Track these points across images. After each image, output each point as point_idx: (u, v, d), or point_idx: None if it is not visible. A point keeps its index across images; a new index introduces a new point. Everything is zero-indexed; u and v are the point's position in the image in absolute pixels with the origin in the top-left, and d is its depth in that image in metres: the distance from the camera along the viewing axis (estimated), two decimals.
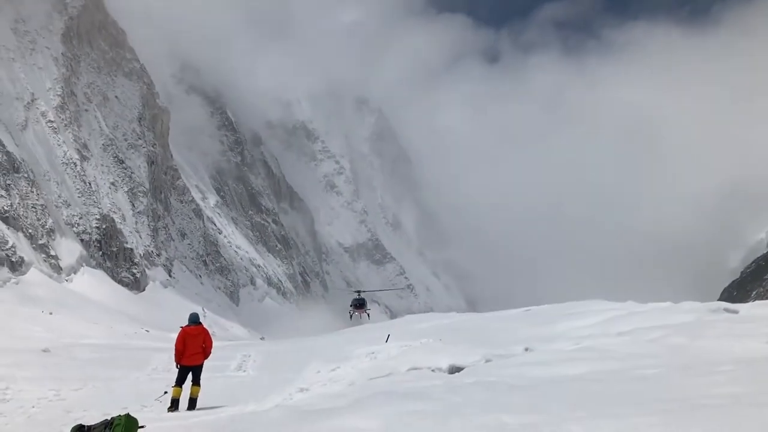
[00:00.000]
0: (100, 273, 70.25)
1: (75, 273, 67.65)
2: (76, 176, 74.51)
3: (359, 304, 42.59)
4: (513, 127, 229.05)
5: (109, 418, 9.02)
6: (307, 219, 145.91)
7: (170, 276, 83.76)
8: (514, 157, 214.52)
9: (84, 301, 62.59)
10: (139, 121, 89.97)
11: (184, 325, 13.94)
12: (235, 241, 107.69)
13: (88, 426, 8.89)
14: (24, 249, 63.85)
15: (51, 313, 55.08)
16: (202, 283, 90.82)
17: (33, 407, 13.91)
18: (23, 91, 74.17)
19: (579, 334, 15.44)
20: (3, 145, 66.51)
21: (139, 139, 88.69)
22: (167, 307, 73.12)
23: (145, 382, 17.16)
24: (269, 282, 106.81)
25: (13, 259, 61.36)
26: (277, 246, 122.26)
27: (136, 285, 74.82)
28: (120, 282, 72.50)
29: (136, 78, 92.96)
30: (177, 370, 13.63)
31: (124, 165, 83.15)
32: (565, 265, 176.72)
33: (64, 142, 75.06)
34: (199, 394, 13.30)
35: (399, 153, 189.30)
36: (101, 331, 53.65)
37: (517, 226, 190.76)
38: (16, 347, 25.56)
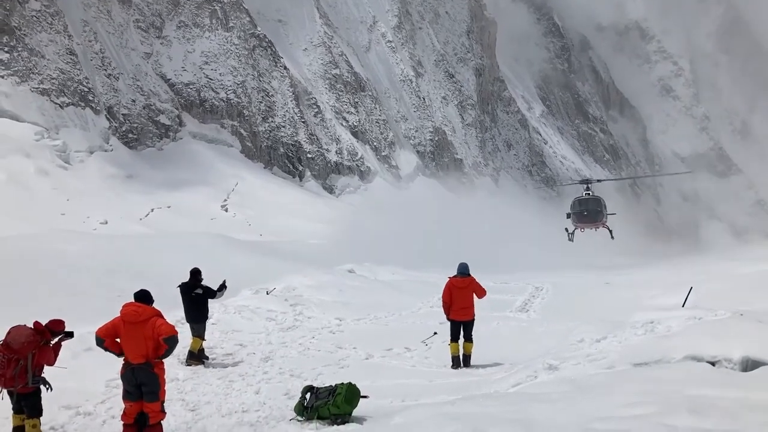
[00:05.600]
0: (433, 182, 75.55)
1: (412, 182, 73.81)
2: (411, 92, 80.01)
3: (587, 214, 25.13)
4: None
5: (334, 385, 9.71)
6: (639, 127, 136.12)
7: (496, 185, 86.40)
8: None
9: (420, 208, 68.32)
10: (468, 35, 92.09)
11: (452, 276, 12.93)
12: (560, 151, 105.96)
13: (316, 388, 9.73)
14: (370, 160, 71.55)
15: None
16: (527, 192, 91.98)
17: (313, 338, 14.83)
18: (366, 14, 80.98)
19: None
20: (351, 67, 74.19)
21: (468, 52, 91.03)
22: (493, 216, 75.89)
23: (423, 315, 17.04)
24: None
25: (362, 169, 69.27)
26: (604, 156, 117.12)
27: (465, 194, 78.84)
28: (450, 191, 77.09)
29: None
30: (444, 323, 12.93)
31: (453, 79, 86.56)
32: None
33: (401, 60, 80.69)
34: (473, 349, 12.66)
35: (753, 48, 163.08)
36: None
37: None
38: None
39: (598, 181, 26.25)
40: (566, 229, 26.71)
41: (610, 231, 26.41)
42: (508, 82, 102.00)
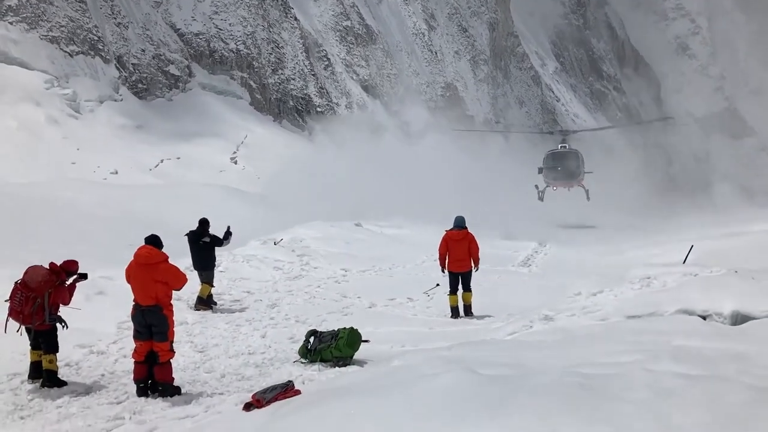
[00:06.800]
0: (443, 138, 75.20)
1: (422, 138, 73.53)
2: (423, 46, 79.06)
3: (561, 170, 21.69)
4: None
5: (336, 329, 10.08)
6: (653, 86, 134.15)
7: (507, 143, 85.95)
8: None
9: (429, 164, 68.22)
10: None
11: (448, 229, 13.30)
12: (572, 109, 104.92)
13: (320, 332, 10.05)
14: (381, 115, 71.27)
15: None
16: (538, 151, 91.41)
17: (318, 287, 15.22)
18: None
19: None
20: (362, 18, 73.27)
21: (482, 6, 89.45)
22: (502, 172, 75.72)
23: (427, 268, 17.39)
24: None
25: (372, 124, 69.06)
26: (617, 115, 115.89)
27: (475, 151, 78.57)
28: (461, 148, 76.77)
29: None
30: (445, 275, 13.26)
31: (467, 33, 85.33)
32: None
33: (413, 12, 79.51)
34: (472, 298, 13.03)
35: None
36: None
37: None
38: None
39: (575, 131, 22.51)
40: (536, 187, 22.83)
41: (586, 191, 23.21)
42: (522, 37, 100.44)
